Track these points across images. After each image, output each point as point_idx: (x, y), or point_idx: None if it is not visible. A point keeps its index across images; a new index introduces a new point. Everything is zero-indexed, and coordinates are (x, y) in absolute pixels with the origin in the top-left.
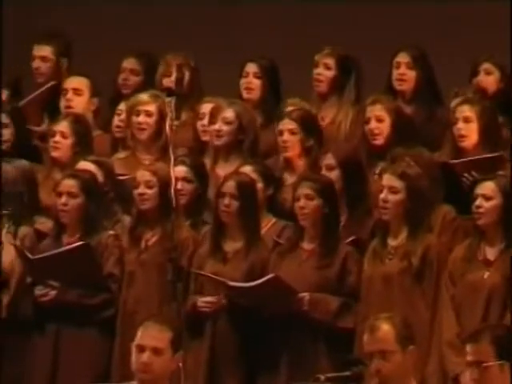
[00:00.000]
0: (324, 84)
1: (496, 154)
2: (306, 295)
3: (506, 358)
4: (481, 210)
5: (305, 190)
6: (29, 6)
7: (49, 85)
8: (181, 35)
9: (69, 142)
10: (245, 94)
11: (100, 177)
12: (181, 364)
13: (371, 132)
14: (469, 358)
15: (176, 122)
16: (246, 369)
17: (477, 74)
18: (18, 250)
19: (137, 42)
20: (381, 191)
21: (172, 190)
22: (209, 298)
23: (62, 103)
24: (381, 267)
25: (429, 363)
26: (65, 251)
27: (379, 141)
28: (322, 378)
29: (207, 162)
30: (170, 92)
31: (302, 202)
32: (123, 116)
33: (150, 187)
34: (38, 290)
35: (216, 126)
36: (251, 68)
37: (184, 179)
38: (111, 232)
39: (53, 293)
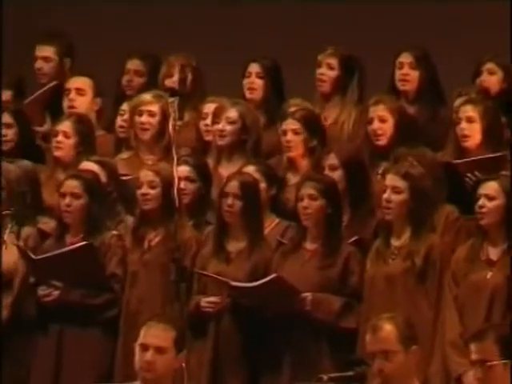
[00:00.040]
0: (327, 84)
1: (499, 154)
2: (308, 295)
3: (510, 357)
4: (484, 210)
5: (308, 190)
6: (29, 5)
7: (51, 84)
8: (181, 35)
9: (71, 141)
10: (247, 94)
11: (103, 177)
12: (184, 364)
13: (374, 132)
14: (473, 357)
15: (179, 122)
16: (249, 369)
17: (480, 74)
18: (21, 250)
19: (137, 42)
20: (384, 191)
21: (175, 190)
22: (212, 298)
23: (65, 103)
24: (384, 267)
25: (432, 363)
26: (68, 251)
27: (382, 141)
28: (325, 378)
29: (210, 161)
30: (173, 92)
31: (305, 202)
32: (126, 116)
33: (152, 187)
34: (41, 290)
35: (219, 126)
36: (254, 68)
37: (187, 179)
38: (114, 232)
39: (56, 293)
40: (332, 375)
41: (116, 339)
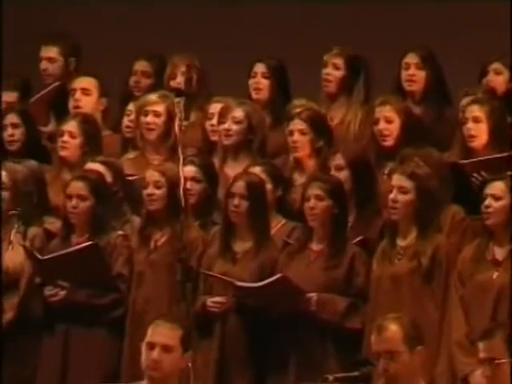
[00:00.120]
0: (333, 84)
1: (505, 154)
2: (313, 295)
3: None
4: (490, 210)
5: (315, 190)
6: (29, 5)
7: (55, 84)
8: (181, 35)
9: (77, 141)
10: (253, 95)
11: (109, 177)
12: (190, 364)
13: (381, 133)
14: (481, 355)
15: (185, 122)
16: (254, 369)
17: (486, 74)
18: (27, 250)
19: (137, 43)
20: (390, 191)
21: (181, 190)
22: (218, 299)
23: (71, 103)
24: (390, 267)
25: (438, 363)
26: (74, 251)
27: (389, 142)
28: (331, 378)
29: (216, 161)
30: (179, 92)
31: (311, 203)
32: (132, 116)
33: (158, 188)
34: (48, 291)
35: (225, 126)
36: (259, 68)
37: (193, 179)
38: (120, 232)
39: (62, 293)
40: (338, 375)
41: (122, 339)
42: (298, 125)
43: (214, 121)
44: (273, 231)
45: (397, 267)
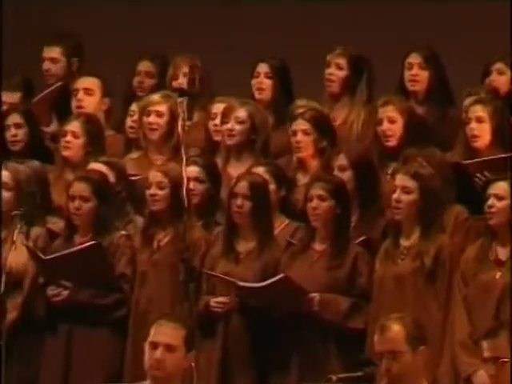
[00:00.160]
0: (336, 84)
1: (509, 155)
2: (316, 295)
3: None
4: (493, 210)
5: (317, 190)
6: (29, 5)
7: (58, 84)
8: (181, 35)
9: (80, 141)
10: (256, 95)
11: (111, 177)
12: (193, 363)
13: (384, 133)
14: (486, 354)
15: (188, 123)
16: (257, 369)
17: (489, 74)
18: (31, 250)
19: (137, 43)
20: (393, 191)
21: (184, 191)
22: (221, 299)
23: (73, 103)
24: (393, 267)
25: (441, 363)
26: (77, 251)
27: (392, 142)
28: (334, 378)
29: (219, 161)
30: (182, 92)
31: (314, 203)
32: (136, 117)
33: (161, 188)
34: (51, 290)
35: (228, 126)
36: (262, 68)
37: (196, 179)
38: (123, 232)
39: (65, 293)
40: (341, 376)
41: (125, 339)
42: (301, 125)
43: (217, 121)
44: (276, 231)
45: (400, 267)
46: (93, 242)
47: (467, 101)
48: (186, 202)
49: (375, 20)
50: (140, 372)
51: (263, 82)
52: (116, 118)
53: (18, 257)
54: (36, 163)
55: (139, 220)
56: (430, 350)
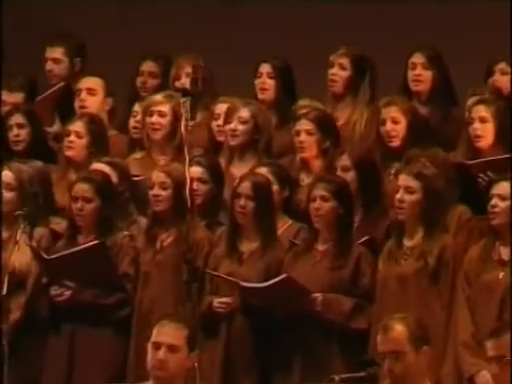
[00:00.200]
0: (339, 84)
1: None
2: (319, 296)
3: None
4: (496, 210)
5: (320, 191)
6: (29, 5)
7: (60, 84)
8: (181, 35)
9: (83, 141)
10: (259, 95)
11: (114, 177)
12: (196, 364)
13: (387, 134)
14: (489, 353)
15: (191, 123)
16: (260, 369)
17: (492, 74)
18: (34, 250)
19: (137, 43)
20: (397, 191)
21: (187, 191)
22: (224, 299)
23: (76, 103)
24: (396, 267)
25: (444, 364)
26: (80, 250)
27: (395, 142)
28: (337, 378)
29: (222, 161)
30: (185, 92)
31: (317, 203)
32: (139, 117)
33: (164, 188)
34: (54, 290)
35: (231, 126)
36: (265, 68)
37: (199, 180)
38: (126, 232)
39: (68, 293)
40: (344, 376)
41: (128, 339)
42: (304, 125)
43: (220, 121)
44: (279, 232)
45: (403, 267)
46: (96, 242)
47: (470, 101)
48: (189, 202)
49: (376, 20)
50: (143, 372)
51: (266, 82)
52: (119, 118)
53: (21, 257)
54: (39, 163)
55: (142, 220)
56: (433, 350)
